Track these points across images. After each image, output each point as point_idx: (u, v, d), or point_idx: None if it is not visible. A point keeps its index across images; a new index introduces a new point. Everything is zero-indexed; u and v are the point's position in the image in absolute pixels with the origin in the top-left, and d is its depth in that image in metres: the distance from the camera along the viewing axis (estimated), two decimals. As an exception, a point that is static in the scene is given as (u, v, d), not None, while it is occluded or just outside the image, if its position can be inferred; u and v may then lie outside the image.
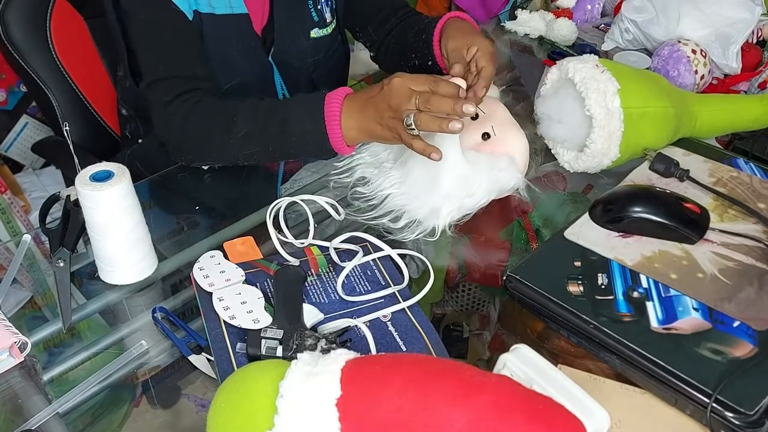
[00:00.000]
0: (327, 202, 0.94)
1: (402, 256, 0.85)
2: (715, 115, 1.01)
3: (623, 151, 0.93)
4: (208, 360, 0.75)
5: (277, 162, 1.04)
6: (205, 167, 1.03)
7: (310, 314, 0.77)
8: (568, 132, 0.99)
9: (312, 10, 1.14)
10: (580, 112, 0.94)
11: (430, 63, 1.09)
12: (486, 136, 0.93)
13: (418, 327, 0.76)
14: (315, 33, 1.16)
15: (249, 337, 0.71)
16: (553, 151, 1.02)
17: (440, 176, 0.89)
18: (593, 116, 0.92)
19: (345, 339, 0.73)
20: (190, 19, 1.03)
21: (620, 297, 0.75)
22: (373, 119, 0.88)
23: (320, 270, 0.84)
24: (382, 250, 0.85)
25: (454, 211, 0.89)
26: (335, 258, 0.84)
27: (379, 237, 0.87)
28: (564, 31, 1.37)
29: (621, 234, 0.84)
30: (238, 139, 0.93)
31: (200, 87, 1.01)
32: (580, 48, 1.35)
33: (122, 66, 1.19)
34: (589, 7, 1.47)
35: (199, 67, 1.02)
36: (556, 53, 1.34)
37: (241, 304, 0.77)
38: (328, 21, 1.17)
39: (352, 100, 0.90)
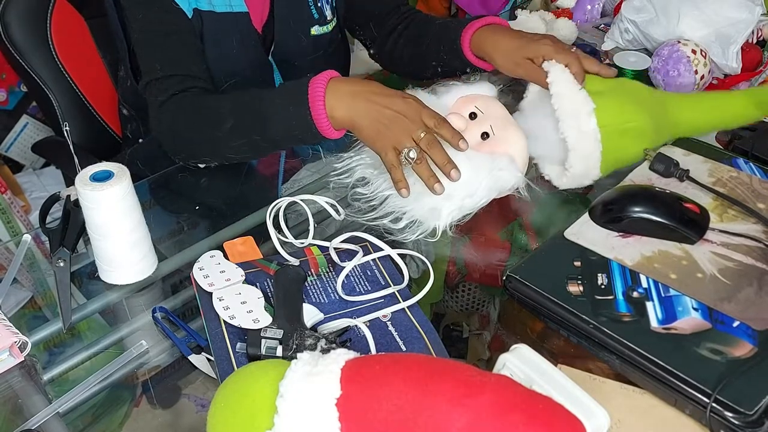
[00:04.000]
0: (327, 202, 0.94)
1: (402, 256, 0.85)
2: (697, 116, 1.00)
3: (604, 170, 0.92)
4: (208, 360, 0.75)
5: (265, 154, 1.02)
6: (202, 165, 1.03)
7: (310, 314, 0.77)
8: (548, 149, 0.97)
9: (312, 7, 1.14)
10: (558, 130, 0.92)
11: (468, 70, 1.09)
12: (485, 135, 0.93)
13: (418, 327, 0.76)
14: (315, 30, 1.16)
15: (249, 336, 0.71)
16: (535, 162, 1.00)
17: (440, 177, 0.89)
18: (567, 140, 0.90)
19: (345, 339, 0.73)
20: (190, 18, 1.03)
21: (620, 297, 0.75)
22: (367, 114, 0.87)
23: (320, 270, 0.84)
24: (382, 250, 0.85)
25: (455, 212, 0.89)
26: (335, 258, 0.85)
27: (380, 237, 0.87)
28: (564, 31, 1.37)
29: (621, 234, 0.84)
30: (225, 133, 0.93)
31: (196, 86, 1.00)
32: (580, 48, 1.35)
33: (123, 66, 1.19)
34: (589, 7, 1.47)
35: (196, 66, 1.02)
36: (556, 53, 1.34)
37: (241, 304, 0.77)
38: (328, 18, 1.17)
39: (341, 83, 0.89)
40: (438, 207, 0.89)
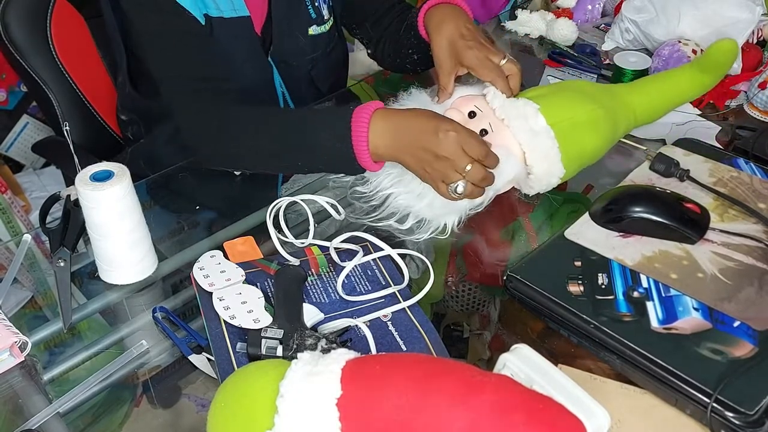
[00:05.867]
0: (327, 202, 0.94)
1: (402, 256, 0.85)
2: (650, 98, 0.99)
3: (568, 165, 0.91)
4: (209, 360, 0.75)
5: (301, 173, 1.03)
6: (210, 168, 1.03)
7: (311, 314, 0.77)
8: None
9: (309, 7, 1.14)
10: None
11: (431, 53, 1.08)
12: (483, 132, 0.93)
13: (419, 327, 0.76)
14: (313, 30, 1.16)
15: (249, 336, 0.71)
16: None
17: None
18: (521, 143, 0.90)
19: (345, 339, 0.73)
20: (203, 24, 1.02)
21: (620, 297, 0.75)
22: (408, 151, 0.86)
23: (320, 270, 0.84)
24: (382, 249, 0.85)
25: (463, 209, 0.90)
26: (335, 258, 0.85)
27: (388, 238, 0.87)
28: (564, 31, 1.37)
29: (621, 234, 0.84)
30: (265, 154, 0.92)
31: (221, 87, 0.99)
32: (580, 48, 1.35)
33: (121, 73, 1.18)
34: (590, 7, 1.47)
35: (215, 68, 1.01)
36: (556, 53, 1.34)
37: (241, 304, 0.77)
38: (325, 18, 1.17)
39: (384, 119, 0.87)
40: (446, 204, 0.89)
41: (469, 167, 0.84)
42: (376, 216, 0.92)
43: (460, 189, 0.85)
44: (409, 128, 0.86)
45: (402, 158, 0.87)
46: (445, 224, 0.90)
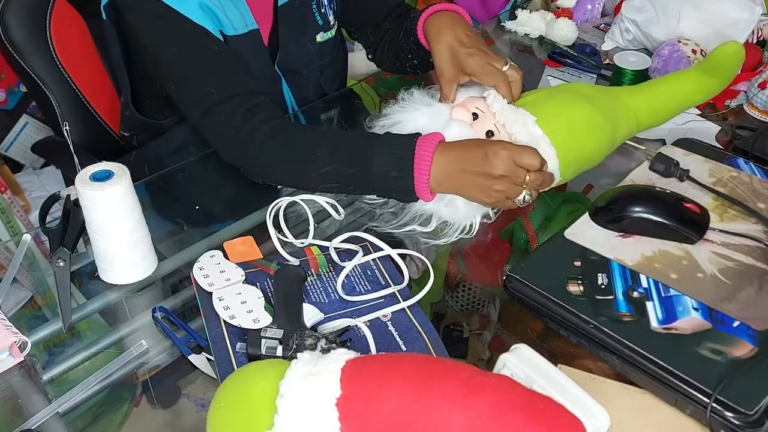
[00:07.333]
0: (327, 202, 0.94)
1: (402, 256, 0.85)
2: (654, 103, 0.98)
3: (565, 171, 0.91)
4: (208, 360, 0.75)
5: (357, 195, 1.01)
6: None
7: (310, 314, 0.77)
8: None
9: (316, 14, 1.14)
10: None
11: (431, 58, 1.06)
12: (490, 134, 0.93)
13: (418, 327, 0.76)
14: (320, 37, 1.15)
15: (249, 336, 0.71)
16: None
17: None
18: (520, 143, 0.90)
19: (345, 339, 0.73)
20: (223, 41, 1.02)
21: (620, 297, 0.75)
22: (468, 181, 0.85)
23: (320, 270, 0.84)
24: (382, 250, 0.85)
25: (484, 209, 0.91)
26: (335, 258, 0.85)
27: (387, 239, 0.87)
28: (564, 31, 1.37)
29: (621, 234, 0.84)
30: (320, 174, 0.90)
31: (259, 100, 0.96)
32: (580, 48, 1.35)
33: (124, 95, 1.17)
34: (590, 6, 1.47)
35: (252, 81, 0.99)
36: (556, 53, 1.34)
37: (241, 304, 0.77)
38: (331, 24, 1.17)
39: (444, 153, 0.86)
40: (471, 206, 0.90)
41: (528, 177, 0.85)
42: (397, 222, 0.92)
43: (527, 198, 0.87)
44: (464, 160, 0.85)
45: (463, 190, 0.87)
46: (471, 223, 0.90)
